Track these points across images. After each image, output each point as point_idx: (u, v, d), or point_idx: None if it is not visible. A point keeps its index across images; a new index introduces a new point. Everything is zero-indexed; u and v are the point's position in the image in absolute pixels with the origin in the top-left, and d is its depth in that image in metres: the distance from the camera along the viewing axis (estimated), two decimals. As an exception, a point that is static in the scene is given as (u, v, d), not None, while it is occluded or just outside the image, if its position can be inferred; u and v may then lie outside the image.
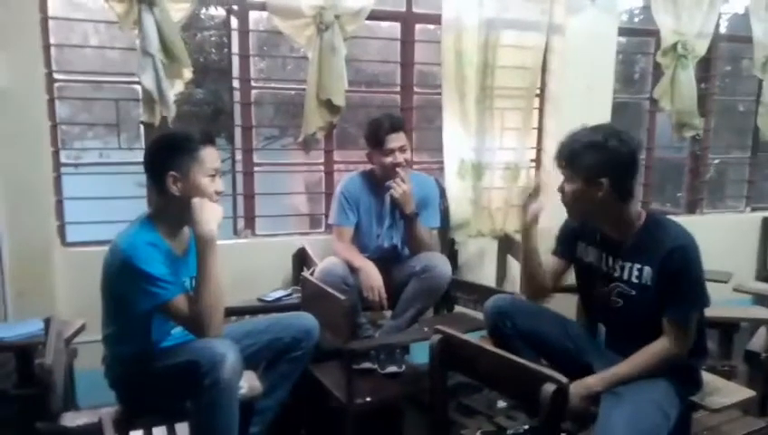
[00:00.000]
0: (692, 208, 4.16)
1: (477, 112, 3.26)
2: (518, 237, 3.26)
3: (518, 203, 2.03)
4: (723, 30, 4.11)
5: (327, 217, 3.09)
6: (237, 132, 3.20)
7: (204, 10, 4.50)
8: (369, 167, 2.80)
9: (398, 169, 2.63)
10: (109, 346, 1.92)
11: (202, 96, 6.48)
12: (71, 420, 1.83)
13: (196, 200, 1.80)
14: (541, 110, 3.57)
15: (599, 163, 1.76)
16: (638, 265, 1.81)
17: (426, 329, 2.44)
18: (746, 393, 1.91)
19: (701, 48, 3.71)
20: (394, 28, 3.37)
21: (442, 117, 3.26)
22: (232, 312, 2.48)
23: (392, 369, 2.55)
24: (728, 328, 2.91)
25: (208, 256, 1.79)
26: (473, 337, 1.80)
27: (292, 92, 3.47)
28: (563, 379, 1.37)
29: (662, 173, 5.30)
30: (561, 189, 1.88)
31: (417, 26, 3.35)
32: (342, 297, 2.19)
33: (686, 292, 1.74)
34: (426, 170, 3.28)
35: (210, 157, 1.86)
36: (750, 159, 4.29)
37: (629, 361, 1.77)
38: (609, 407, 1.67)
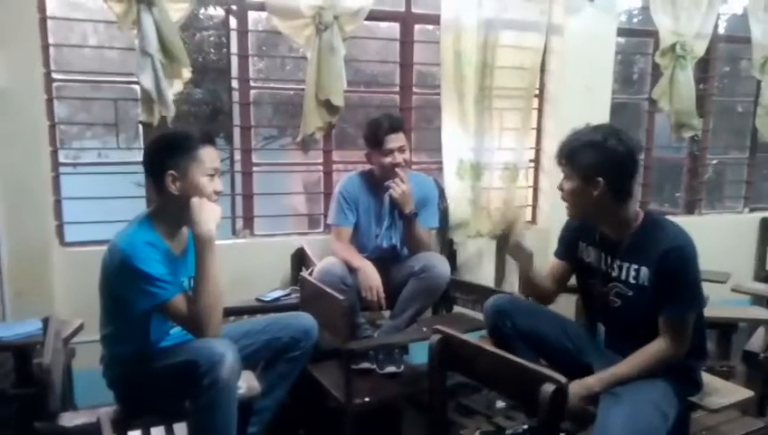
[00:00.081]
0: (690, 209, 4.16)
1: (476, 113, 3.26)
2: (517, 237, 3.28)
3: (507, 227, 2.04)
4: (721, 31, 4.11)
5: (326, 217, 3.09)
6: (236, 132, 3.20)
7: (203, 10, 4.50)
8: (367, 167, 2.80)
9: (397, 170, 2.63)
10: (107, 346, 1.91)
11: (201, 96, 6.49)
12: (69, 419, 1.83)
13: (194, 200, 1.80)
14: (539, 110, 3.58)
15: (596, 162, 1.77)
16: (636, 266, 1.82)
17: (424, 329, 2.44)
18: (745, 394, 1.91)
19: (700, 49, 3.71)
20: (393, 28, 3.37)
21: (441, 117, 3.26)
22: (230, 312, 2.48)
23: (391, 369, 2.55)
24: (726, 328, 2.91)
25: (207, 256, 1.79)
26: (472, 337, 1.80)
27: (291, 92, 3.47)
28: (562, 379, 1.36)
29: (661, 173, 5.31)
30: (561, 187, 1.88)
31: (416, 26, 3.35)
32: (341, 297, 2.19)
33: (682, 292, 1.75)
34: (424, 171, 3.28)
35: (209, 156, 1.86)
36: (748, 159, 4.29)
37: (628, 361, 1.77)
38: (608, 407, 1.67)
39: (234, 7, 3.05)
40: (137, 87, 2.81)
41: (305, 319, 2.15)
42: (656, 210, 3.72)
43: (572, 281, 2.09)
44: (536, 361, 1.83)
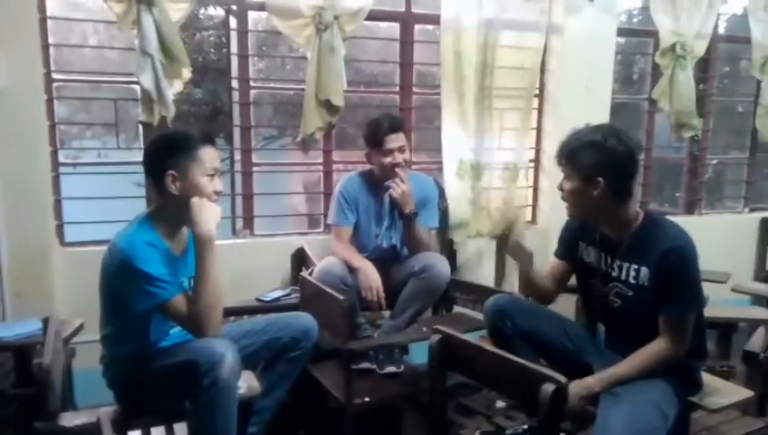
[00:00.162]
0: (690, 209, 4.16)
1: (476, 113, 3.26)
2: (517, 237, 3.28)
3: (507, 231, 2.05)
4: (721, 31, 4.11)
5: (326, 217, 3.09)
6: (236, 132, 3.20)
7: (203, 10, 4.50)
8: (367, 167, 2.80)
9: (397, 170, 2.63)
10: (107, 346, 1.91)
11: (201, 96, 6.49)
12: (69, 419, 1.83)
13: (194, 200, 1.80)
14: (540, 110, 3.58)
15: (596, 162, 1.77)
16: (636, 266, 1.82)
17: (424, 329, 2.44)
18: (745, 394, 1.91)
19: (700, 49, 3.71)
20: (393, 28, 3.37)
21: (441, 117, 3.26)
22: (230, 312, 2.48)
23: (391, 369, 2.55)
24: (726, 328, 2.91)
25: (207, 256, 1.79)
26: (472, 337, 1.80)
27: (291, 92, 3.47)
28: (562, 379, 1.36)
29: (661, 173, 5.31)
30: (561, 187, 1.88)
31: (416, 27, 3.35)
32: (341, 297, 2.19)
33: (682, 292, 1.75)
34: (424, 170, 3.28)
35: (209, 156, 1.86)
36: (748, 159, 4.29)
37: (628, 361, 1.77)
38: (608, 407, 1.67)
39: (234, 7, 3.05)
40: (137, 87, 2.81)
41: (305, 319, 2.15)
42: (656, 210, 3.72)
43: (572, 281, 2.09)
44: (536, 361, 1.83)
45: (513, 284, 3.21)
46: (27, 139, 2.70)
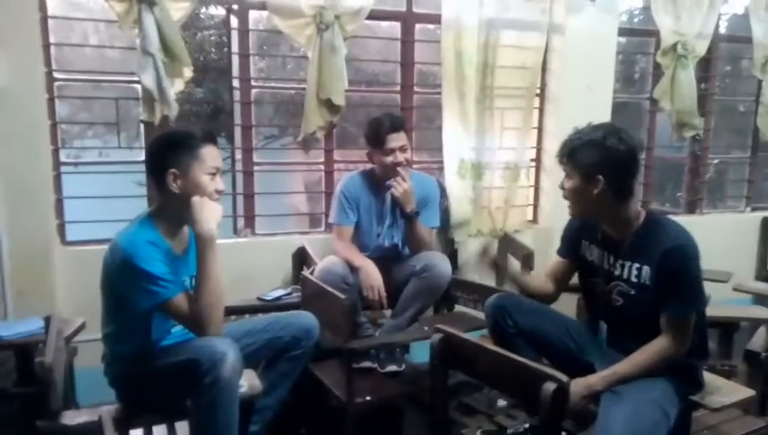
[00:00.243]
0: (692, 208, 4.16)
1: (477, 112, 3.26)
2: (518, 237, 3.29)
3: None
4: (722, 30, 4.11)
5: (327, 216, 3.09)
6: (237, 131, 3.20)
7: (204, 9, 4.50)
8: (369, 166, 2.80)
9: (398, 169, 2.63)
10: (109, 345, 1.91)
11: (202, 95, 6.50)
12: (71, 418, 1.82)
13: (195, 199, 1.80)
14: (541, 109, 3.57)
15: (597, 161, 1.77)
16: (638, 265, 1.82)
17: (426, 328, 2.44)
18: (746, 393, 1.91)
19: (701, 48, 3.71)
20: (394, 28, 3.37)
21: (442, 117, 3.26)
22: (232, 311, 2.48)
23: (392, 368, 2.55)
24: (728, 327, 2.91)
25: (208, 255, 1.79)
26: (473, 336, 1.80)
27: (292, 92, 3.48)
28: (564, 378, 1.37)
29: (662, 173, 5.31)
30: (562, 186, 1.89)
31: (417, 26, 3.35)
32: (342, 296, 2.19)
33: (684, 291, 1.75)
34: (425, 170, 3.29)
35: (211, 155, 1.86)
36: (750, 158, 4.29)
37: (629, 360, 1.77)
38: (609, 405, 1.67)
39: (235, 6, 3.05)
40: (138, 86, 2.81)
41: (307, 318, 2.15)
42: (657, 210, 3.73)
43: (574, 280, 2.09)
44: (538, 360, 1.83)
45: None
46: (28, 138, 2.71)
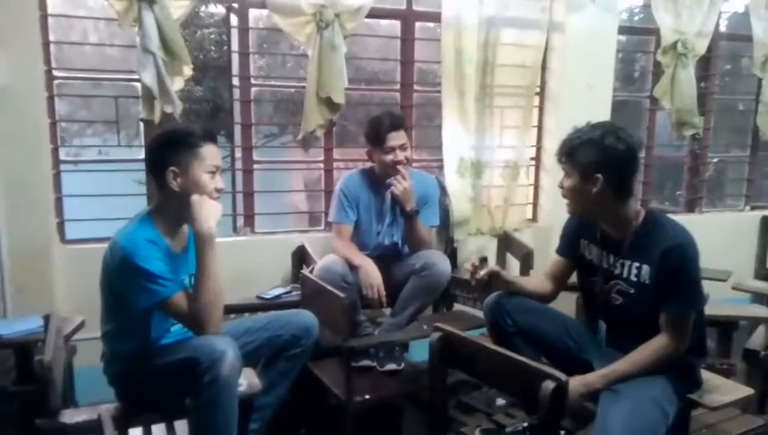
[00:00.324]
0: (691, 207, 4.16)
1: (477, 110, 3.26)
2: (517, 236, 3.29)
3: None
4: (723, 28, 4.11)
5: (326, 214, 3.09)
6: (237, 130, 3.20)
7: (203, 7, 4.49)
8: (368, 164, 2.80)
9: (398, 167, 2.63)
10: (108, 343, 1.91)
11: (201, 94, 6.50)
12: (70, 416, 1.83)
13: (195, 197, 1.80)
14: (540, 108, 3.57)
15: (595, 159, 1.77)
16: (637, 264, 1.82)
17: (425, 327, 2.44)
18: (745, 391, 1.91)
19: (701, 47, 3.71)
20: (394, 26, 3.36)
21: (442, 115, 3.26)
22: (231, 309, 2.48)
23: (391, 366, 2.55)
24: (727, 326, 2.91)
25: (207, 254, 1.79)
26: (472, 335, 1.80)
27: (292, 90, 3.48)
28: (563, 377, 1.36)
29: (662, 171, 5.31)
30: (561, 185, 1.89)
31: (417, 24, 3.35)
32: (342, 295, 2.19)
33: (683, 290, 1.75)
34: (425, 168, 3.29)
35: (211, 153, 1.86)
36: (749, 157, 4.29)
37: (628, 358, 1.77)
38: (608, 404, 1.67)
39: (235, 5, 3.05)
40: (137, 84, 2.81)
41: (306, 316, 2.15)
42: (657, 208, 3.73)
43: (573, 279, 2.09)
44: (537, 358, 1.83)
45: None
46: (28, 136, 2.70)
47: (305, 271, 2.59)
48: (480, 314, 2.16)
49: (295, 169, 3.84)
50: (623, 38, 4.01)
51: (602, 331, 2.00)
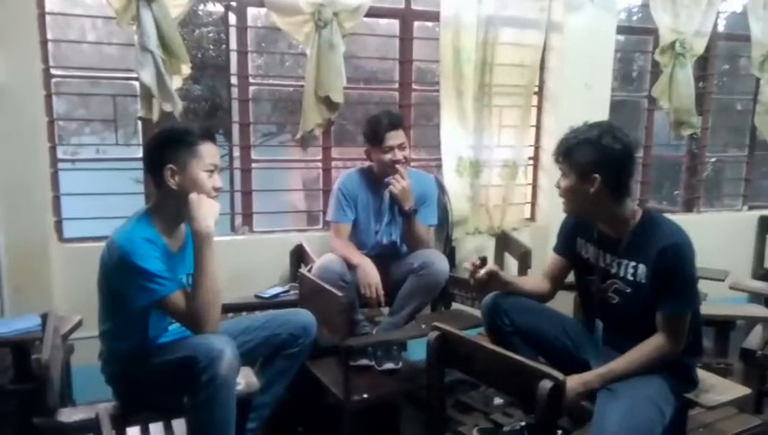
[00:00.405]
0: (689, 207, 4.17)
1: (475, 110, 3.27)
2: (515, 235, 3.30)
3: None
4: (721, 28, 4.12)
5: (325, 213, 3.09)
6: (235, 129, 3.19)
7: (202, 6, 4.50)
8: (367, 164, 2.80)
9: (397, 166, 2.63)
10: (106, 342, 1.91)
11: (200, 92, 6.49)
12: (67, 415, 1.82)
13: (193, 196, 1.80)
14: (539, 107, 3.58)
15: (592, 159, 1.77)
16: (634, 263, 1.82)
17: (423, 326, 2.44)
18: (742, 391, 1.91)
19: (699, 46, 3.71)
20: (392, 25, 3.36)
21: (440, 114, 3.26)
22: (229, 308, 2.48)
23: (389, 366, 2.55)
24: (724, 326, 2.91)
25: (205, 253, 1.79)
26: (470, 334, 1.80)
27: (290, 89, 3.48)
28: (560, 376, 1.37)
29: (659, 171, 5.32)
30: (558, 185, 1.89)
31: (416, 23, 3.35)
32: (340, 294, 2.19)
33: (679, 289, 1.75)
34: (423, 168, 3.29)
35: (209, 152, 1.86)
36: (747, 157, 4.30)
37: (625, 357, 1.77)
38: (605, 403, 1.67)
39: (233, 3, 3.05)
40: (135, 83, 2.81)
41: (304, 316, 2.15)
42: (654, 208, 3.73)
43: (571, 278, 2.09)
44: (534, 358, 1.83)
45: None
46: (26, 135, 2.70)
47: (303, 270, 2.59)
48: (478, 313, 2.16)
49: (294, 168, 3.84)
50: (621, 38, 4.01)
51: (599, 330, 2.00)
